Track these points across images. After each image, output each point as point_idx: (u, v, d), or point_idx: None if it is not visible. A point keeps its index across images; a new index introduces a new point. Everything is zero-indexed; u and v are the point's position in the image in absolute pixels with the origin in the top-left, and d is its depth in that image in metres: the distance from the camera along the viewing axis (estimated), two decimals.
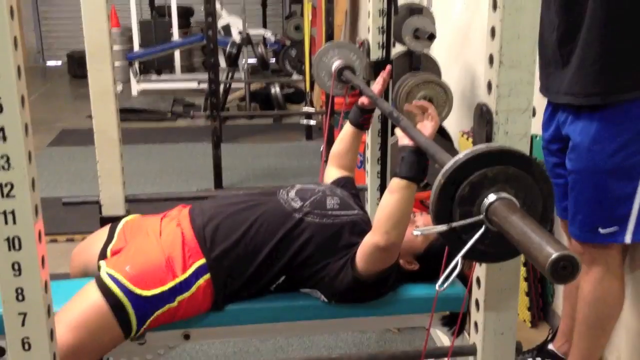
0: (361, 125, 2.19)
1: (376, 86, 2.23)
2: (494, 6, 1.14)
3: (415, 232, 1.15)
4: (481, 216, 1.10)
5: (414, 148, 1.56)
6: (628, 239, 1.87)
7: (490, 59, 1.17)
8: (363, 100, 2.17)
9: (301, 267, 1.76)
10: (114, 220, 2.02)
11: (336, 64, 2.47)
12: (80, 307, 1.63)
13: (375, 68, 2.42)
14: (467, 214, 1.11)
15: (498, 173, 1.09)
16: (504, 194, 1.09)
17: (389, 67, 2.30)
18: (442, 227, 1.12)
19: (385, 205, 1.63)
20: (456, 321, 1.82)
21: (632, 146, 1.80)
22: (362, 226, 1.82)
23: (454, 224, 1.11)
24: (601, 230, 1.87)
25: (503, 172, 1.10)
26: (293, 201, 1.85)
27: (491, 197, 1.09)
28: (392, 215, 1.61)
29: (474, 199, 1.10)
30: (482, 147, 1.11)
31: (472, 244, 1.11)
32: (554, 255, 0.90)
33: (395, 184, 1.60)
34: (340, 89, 2.51)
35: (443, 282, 1.12)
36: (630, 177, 1.82)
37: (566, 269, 0.90)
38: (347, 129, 2.20)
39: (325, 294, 1.78)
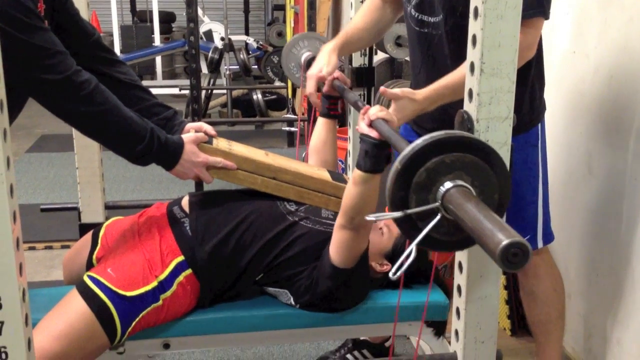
0: (328, 112, 2.11)
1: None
2: (475, 14, 1.14)
3: (369, 218, 1.13)
4: (437, 203, 1.08)
5: (377, 141, 1.51)
6: (540, 244, 1.99)
7: (472, 67, 1.17)
8: (328, 87, 2.05)
9: (281, 266, 1.75)
10: (93, 227, 2.00)
11: (305, 55, 2.41)
12: (63, 313, 1.61)
13: (358, 75, 2.43)
14: (423, 201, 1.09)
15: (455, 160, 1.07)
16: (460, 182, 1.07)
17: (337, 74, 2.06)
18: (397, 214, 1.09)
19: (349, 195, 1.61)
20: (438, 324, 1.82)
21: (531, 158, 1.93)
22: None
23: (409, 211, 1.09)
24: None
25: (460, 159, 1.08)
26: (287, 203, 1.84)
27: (447, 185, 1.07)
28: (357, 204, 1.60)
29: (430, 186, 1.08)
30: (441, 133, 1.09)
31: (427, 231, 1.09)
32: (505, 242, 0.88)
33: (358, 177, 1.57)
34: None
35: (397, 271, 1.10)
36: (532, 185, 1.95)
37: (517, 255, 0.89)
38: (319, 122, 2.14)
39: (295, 296, 1.76)
